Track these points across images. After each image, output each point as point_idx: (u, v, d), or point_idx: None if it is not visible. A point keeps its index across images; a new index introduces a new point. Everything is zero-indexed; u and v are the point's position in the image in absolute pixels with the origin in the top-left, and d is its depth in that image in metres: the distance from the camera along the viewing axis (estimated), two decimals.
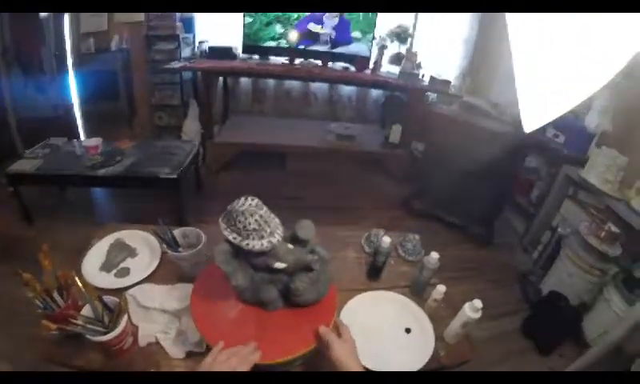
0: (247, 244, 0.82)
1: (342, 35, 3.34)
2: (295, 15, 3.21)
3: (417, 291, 1.32)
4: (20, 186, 2.33)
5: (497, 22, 3.69)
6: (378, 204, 3.38)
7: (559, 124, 2.72)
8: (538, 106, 0.50)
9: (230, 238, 0.83)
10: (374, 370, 1.01)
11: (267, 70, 3.30)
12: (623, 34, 0.43)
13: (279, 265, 0.86)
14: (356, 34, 3.37)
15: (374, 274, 1.35)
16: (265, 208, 0.86)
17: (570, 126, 2.65)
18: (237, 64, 3.19)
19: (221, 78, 3.55)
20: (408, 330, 1.17)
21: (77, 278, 0.94)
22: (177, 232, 1.20)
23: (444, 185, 2.98)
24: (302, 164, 3.60)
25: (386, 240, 1.27)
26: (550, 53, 0.47)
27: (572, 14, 0.44)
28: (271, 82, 3.84)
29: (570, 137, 2.65)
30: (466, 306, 1.11)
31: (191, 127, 3.37)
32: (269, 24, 3.21)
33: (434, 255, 1.26)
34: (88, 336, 0.85)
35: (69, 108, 3.24)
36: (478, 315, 1.09)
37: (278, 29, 3.24)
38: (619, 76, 0.47)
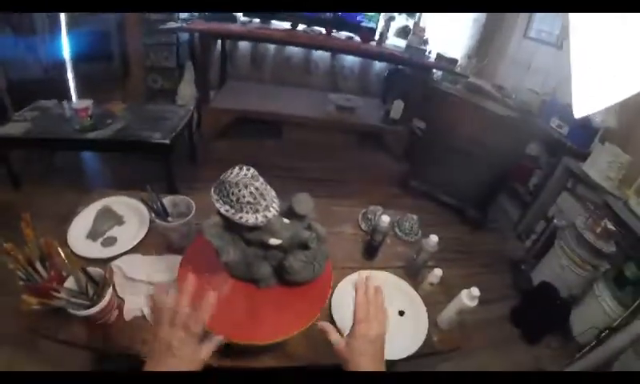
0: (240, 217, 0.76)
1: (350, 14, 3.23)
2: None
3: (412, 273, 1.30)
4: (8, 150, 2.27)
5: None
6: (375, 180, 3.35)
7: (564, 115, 2.69)
8: (594, 91, 0.45)
9: (222, 210, 0.77)
10: None
11: (267, 35, 3.14)
12: None
13: (274, 241, 0.80)
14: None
15: (370, 252, 1.32)
16: (261, 179, 0.80)
17: (574, 118, 2.60)
18: (236, 27, 3.05)
19: (219, 41, 3.42)
20: (402, 313, 1.15)
21: (59, 248, 0.90)
22: (166, 200, 1.15)
23: (443, 165, 2.96)
24: (300, 134, 3.53)
25: (385, 219, 1.23)
26: (613, 37, 0.42)
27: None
28: (271, 47, 3.69)
29: (574, 129, 2.61)
30: (463, 292, 1.09)
31: (186, 91, 3.27)
32: None
33: (434, 238, 1.23)
34: (71, 310, 0.82)
35: (60, 69, 3.11)
36: (474, 303, 1.07)
37: None
38: None
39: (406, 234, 1.46)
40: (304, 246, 0.85)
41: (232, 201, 0.76)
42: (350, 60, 3.89)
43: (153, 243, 1.16)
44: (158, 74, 3.38)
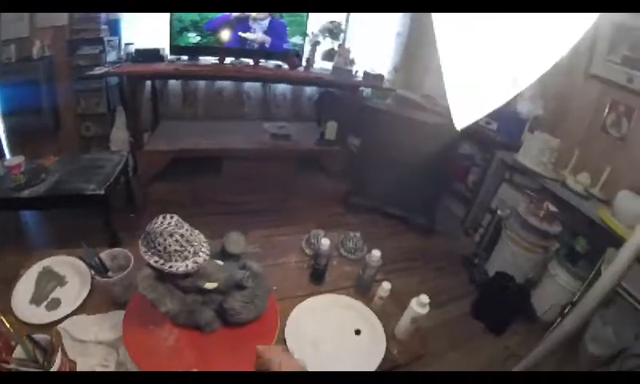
0: (171, 267, 0.75)
1: (277, 42, 3.27)
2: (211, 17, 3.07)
3: (362, 290, 1.31)
4: None
5: (429, 16, 3.78)
6: (318, 203, 3.35)
7: (491, 112, 2.82)
8: (467, 103, 0.49)
9: (152, 261, 0.75)
10: None
11: (196, 71, 3.14)
12: (555, 31, 0.43)
13: (210, 285, 0.79)
14: (296, 39, 3.30)
15: (317, 277, 1.31)
16: (186, 226, 0.79)
17: (502, 113, 2.75)
18: (163, 66, 3.02)
19: (148, 82, 3.35)
20: (358, 332, 1.15)
21: (3, 318, 0.84)
22: (104, 255, 1.10)
23: (382, 178, 3.01)
24: (239, 167, 3.46)
25: (325, 242, 1.24)
26: (477, 49, 0.46)
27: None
28: (202, 83, 3.66)
29: (503, 123, 2.76)
30: (413, 301, 1.11)
31: (119, 136, 3.16)
32: (182, 31, 3.05)
33: (376, 253, 1.25)
34: None
35: None
36: (425, 310, 1.09)
37: (193, 37, 3.09)
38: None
39: (352, 253, 1.47)
40: (241, 286, 0.84)
41: (160, 251, 0.75)
42: (281, 87, 3.92)
43: (97, 300, 1.10)
44: (90, 121, 3.27)
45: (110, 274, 1.07)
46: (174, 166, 3.14)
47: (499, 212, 2.69)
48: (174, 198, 2.95)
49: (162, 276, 0.79)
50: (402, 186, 2.93)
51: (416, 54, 3.95)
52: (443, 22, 0.47)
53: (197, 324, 0.85)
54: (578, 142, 2.47)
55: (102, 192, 2.14)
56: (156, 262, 0.75)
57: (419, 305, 1.09)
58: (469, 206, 3.17)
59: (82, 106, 3.20)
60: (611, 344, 2.01)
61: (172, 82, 3.56)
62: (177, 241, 0.74)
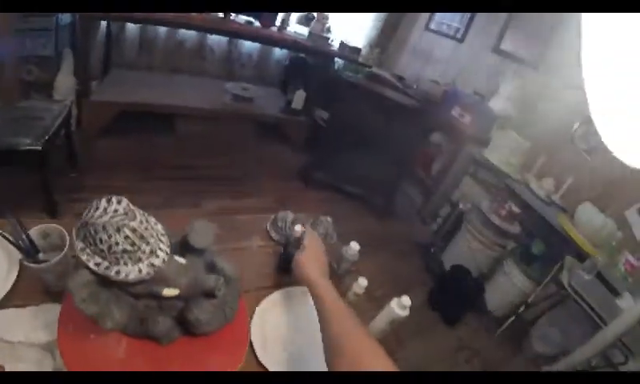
0: (118, 272, 0.56)
1: None
2: None
3: (334, 283, 1.19)
4: None
5: None
6: (277, 174, 3.22)
7: (465, 104, 2.81)
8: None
9: (92, 264, 0.56)
10: None
11: (158, 16, 2.80)
12: None
13: (168, 292, 0.61)
14: None
15: (286, 267, 1.15)
16: (139, 215, 0.58)
17: (475, 107, 2.73)
18: None
19: (103, 24, 3.00)
20: None
21: None
22: (34, 232, 0.88)
23: (347, 155, 2.94)
24: (194, 128, 3.24)
25: (298, 229, 1.10)
26: None
27: None
28: (162, 30, 3.33)
29: (475, 118, 2.72)
30: (394, 302, 1.02)
31: (64, 83, 2.80)
32: None
33: (354, 246, 1.15)
34: None
35: None
36: (406, 313, 1.01)
37: None
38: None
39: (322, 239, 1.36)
40: (210, 295, 0.68)
41: (102, 250, 0.55)
42: (248, 45, 3.69)
43: (27, 288, 0.87)
44: (33, 63, 2.88)
45: (41, 255, 0.87)
46: (123, 120, 2.83)
47: (461, 205, 2.69)
48: (120, 158, 2.67)
49: (104, 280, 0.59)
50: (366, 165, 2.89)
51: (393, 32, 3.86)
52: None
53: (151, 335, 0.68)
54: (545, 147, 2.50)
55: (39, 147, 1.88)
56: (97, 264, 0.56)
57: (400, 307, 1.00)
58: (428, 194, 3.18)
59: (26, 46, 2.81)
60: (557, 344, 2.09)
61: (129, 26, 3.20)
62: (127, 238, 0.55)
